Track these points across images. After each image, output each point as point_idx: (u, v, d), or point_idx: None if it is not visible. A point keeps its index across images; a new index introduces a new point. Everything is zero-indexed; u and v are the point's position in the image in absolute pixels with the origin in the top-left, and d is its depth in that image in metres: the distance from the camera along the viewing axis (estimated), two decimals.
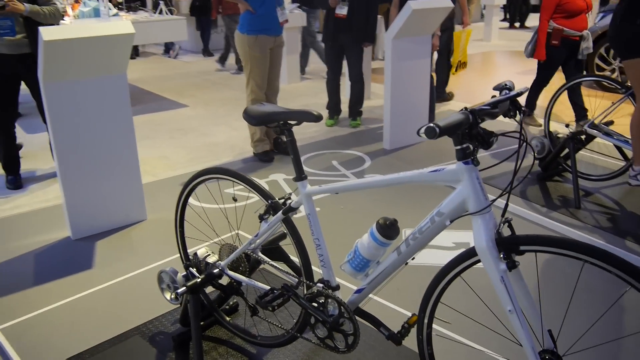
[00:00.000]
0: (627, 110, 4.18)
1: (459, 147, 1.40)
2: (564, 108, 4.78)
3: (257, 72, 4.31)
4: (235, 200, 2.02)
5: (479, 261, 1.49)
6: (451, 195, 1.47)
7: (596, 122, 3.64)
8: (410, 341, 2.21)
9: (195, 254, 2.32)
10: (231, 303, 2.45)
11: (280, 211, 1.87)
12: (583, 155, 4.22)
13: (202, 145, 4.98)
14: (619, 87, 3.51)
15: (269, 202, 1.91)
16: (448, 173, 1.45)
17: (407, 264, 1.64)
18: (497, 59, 9.72)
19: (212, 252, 2.31)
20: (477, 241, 1.42)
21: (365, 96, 5.62)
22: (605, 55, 6.73)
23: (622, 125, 4.71)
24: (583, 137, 3.67)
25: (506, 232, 1.43)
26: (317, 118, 1.71)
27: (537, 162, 4.01)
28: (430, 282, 1.62)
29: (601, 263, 1.29)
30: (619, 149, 3.76)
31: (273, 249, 2.19)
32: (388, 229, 1.62)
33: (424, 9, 4.35)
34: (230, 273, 2.08)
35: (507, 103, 1.41)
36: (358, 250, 1.69)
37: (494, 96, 1.52)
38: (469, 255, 1.50)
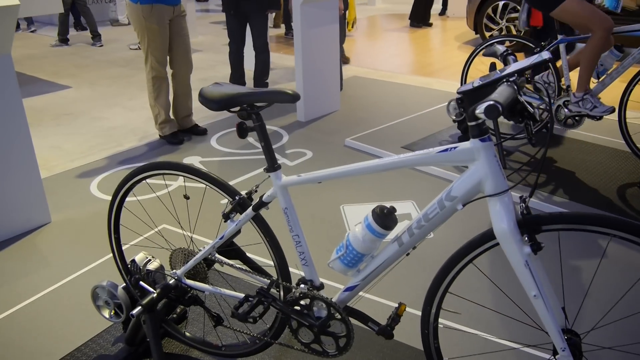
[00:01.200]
0: None
1: (474, 123, 1.24)
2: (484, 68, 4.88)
3: (156, 46, 3.89)
4: (187, 198, 1.73)
5: (494, 245, 1.37)
6: (464, 176, 1.32)
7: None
8: (404, 336, 2.08)
9: (133, 260, 2.00)
10: (178, 311, 2.17)
11: (250, 207, 1.62)
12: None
13: (98, 131, 4.47)
14: (533, 45, 3.58)
15: (236, 198, 1.65)
16: (462, 152, 1.30)
17: (408, 254, 1.49)
18: (383, 23, 9.79)
19: (153, 257, 2.01)
20: (496, 225, 1.29)
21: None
22: (492, 15, 6.96)
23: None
24: None
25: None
26: (294, 98, 1.47)
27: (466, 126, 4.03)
28: (437, 271, 1.47)
29: (631, 236, 1.22)
30: (530, 104, 3.87)
31: (229, 249, 1.94)
32: (386, 218, 1.45)
33: None
34: (190, 282, 1.81)
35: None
36: (350, 244, 1.50)
37: (492, 64, 1.38)
38: (483, 239, 1.37)
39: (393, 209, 1.47)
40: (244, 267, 1.81)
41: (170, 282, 1.80)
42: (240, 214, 1.66)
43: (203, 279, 1.84)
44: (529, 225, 1.29)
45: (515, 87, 1.15)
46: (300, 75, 4.42)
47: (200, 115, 4.64)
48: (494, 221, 1.30)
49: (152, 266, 1.99)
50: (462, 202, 1.34)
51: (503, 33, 6.93)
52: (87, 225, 2.97)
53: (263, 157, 3.79)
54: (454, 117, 3.97)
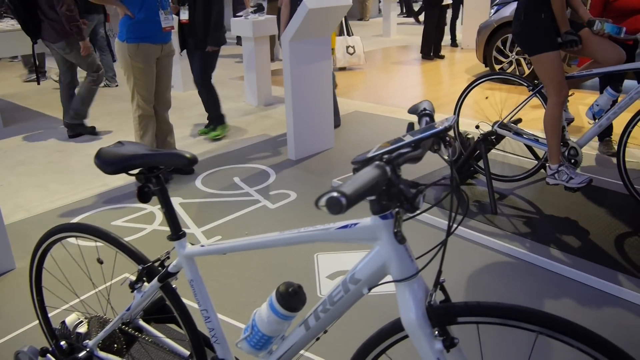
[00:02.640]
0: (532, 106, 4.15)
1: (372, 197, 1.08)
2: (480, 108, 4.68)
3: (142, 84, 3.82)
4: (100, 262, 1.58)
5: (405, 337, 1.18)
6: (367, 257, 1.14)
7: (505, 121, 3.51)
8: None
9: (63, 322, 1.86)
10: None
11: (156, 278, 1.47)
12: (496, 155, 4.11)
13: (86, 169, 4.41)
14: (526, 84, 3.38)
15: (141, 266, 1.50)
16: (362, 230, 1.12)
17: (318, 339, 1.30)
18: (395, 55, 9.68)
19: (85, 319, 1.86)
20: (404, 315, 1.11)
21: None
22: (502, 47, 6.78)
23: (529, 121, 4.66)
24: (493, 137, 3.52)
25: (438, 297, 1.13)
26: (191, 162, 1.33)
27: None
28: None
29: (561, 335, 1.02)
30: (529, 147, 3.66)
31: (160, 308, 1.78)
32: (291, 299, 1.27)
33: (321, 8, 4.04)
34: (102, 355, 1.65)
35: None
36: (256, 324, 1.32)
37: (410, 124, 1.22)
38: (394, 329, 1.19)
39: (299, 287, 1.29)
40: (162, 336, 1.64)
41: (81, 354, 1.64)
42: (148, 283, 1.51)
43: (120, 350, 1.68)
44: (440, 317, 1.10)
45: (388, 168, 0.97)
46: (290, 112, 4.30)
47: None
48: (401, 310, 1.11)
49: (82, 329, 1.85)
50: (367, 286, 1.16)
51: (513, 67, 6.73)
52: (52, 272, 2.86)
53: (247, 198, 3.67)
54: (446, 157, 3.78)
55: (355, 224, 1.13)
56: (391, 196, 1.02)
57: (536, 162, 3.55)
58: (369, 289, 1.16)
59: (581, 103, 5.52)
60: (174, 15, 4.03)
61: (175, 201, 3.71)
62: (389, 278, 1.13)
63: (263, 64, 6.14)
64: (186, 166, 1.32)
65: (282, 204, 3.61)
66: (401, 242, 1.09)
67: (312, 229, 1.19)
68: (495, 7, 7.10)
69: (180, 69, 6.68)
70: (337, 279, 2.71)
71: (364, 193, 0.85)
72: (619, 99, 3.17)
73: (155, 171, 1.39)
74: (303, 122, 4.38)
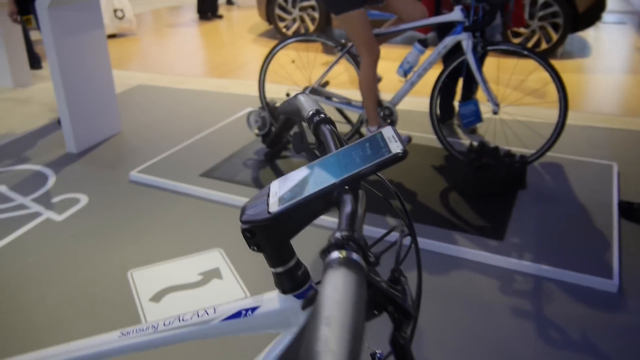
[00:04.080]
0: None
1: (281, 270, 0.67)
2: (287, 73, 4.36)
3: None
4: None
5: None
6: (277, 347, 0.74)
7: (315, 85, 3.26)
8: None
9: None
10: None
11: None
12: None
13: None
14: (334, 45, 3.16)
15: None
16: (266, 317, 0.71)
17: None
18: (168, 17, 8.91)
19: None
20: None
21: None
22: (284, 4, 6.56)
23: (341, 84, 4.52)
24: None
25: None
26: None
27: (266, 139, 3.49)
28: None
29: None
30: (340, 111, 3.49)
31: None
32: None
33: None
34: None
35: None
36: None
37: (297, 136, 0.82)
38: None
39: None
40: None
41: None
42: None
43: None
44: None
45: (365, 266, 0.58)
46: (61, 94, 3.50)
47: None
48: None
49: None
50: None
51: (297, 24, 6.58)
52: None
53: (22, 212, 2.85)
54: (257, 131, 3.44)
55: (254, 309, 0.71)
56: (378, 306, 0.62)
57: (350, 126, 3.41)
58: None
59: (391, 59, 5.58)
60: None
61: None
62: None
63: (14, 33, 5.00)
64: None
65: (72, 212, 2.91)
66: None
67: (180, 323, 0.73)
68: None
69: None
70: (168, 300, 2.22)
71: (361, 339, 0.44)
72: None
73: None
74: (80, 105, 3.62)
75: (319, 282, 0.75)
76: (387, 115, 3.12)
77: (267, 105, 3.46)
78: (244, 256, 2.51)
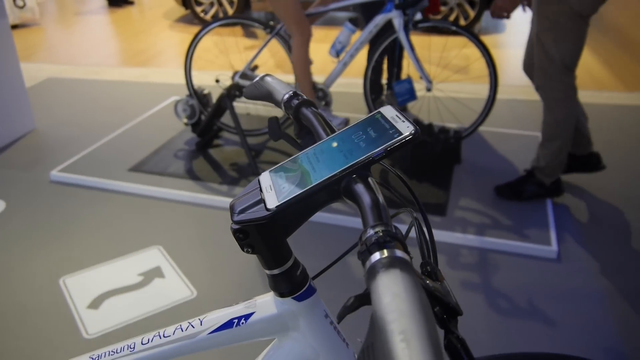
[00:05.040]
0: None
1: (277, 272, 0.60)
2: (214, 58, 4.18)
3: None
4: None
5: None
6: (275, 354, 0.67)
7: (245, 70, 3.15)
8: None
9: None
10: None
11: None
12: (239, 109, 3.74)
13: None
14: (262, 27, 3.05)
15: None
16: (262, 324, 0.64)
17: None
18: (74, 3, 8.38)
19: None
20: None
21: None
22: None
23: (272, 67, 4.40)
24: (237, 91, 3.14)
25: None
26: None
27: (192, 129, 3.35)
28: None
29: None
30: None
31: None
32: None
33: None
34: None
35: None
36: None
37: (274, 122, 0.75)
38: None
39: None
40: None
41: None
42: None
43: None
44: None
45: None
46: None
47: None
48: None
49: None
50: None
51: (215, 8, 6.37)
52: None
53: None
54: (186, 121, 3.29)
55: (248, 316, 0.64)
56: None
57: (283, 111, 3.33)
58: None
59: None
60: None
61: None
62: None
63: None
64: None
65: None
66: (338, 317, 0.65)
67: (162, 340, 0.65)
68: None
69: None
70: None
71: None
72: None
73: None
74: None
75: (315, 277, 0.69)
76: (321, 97, 3.07)
77: (195, 93, 3.31)
78: (185, 251, 2.39)
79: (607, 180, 2.86)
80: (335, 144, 0.59)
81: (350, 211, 2.60)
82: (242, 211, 0.56)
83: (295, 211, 0.55)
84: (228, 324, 0.64)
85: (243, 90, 0.84)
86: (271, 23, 3.04)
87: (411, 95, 3.02)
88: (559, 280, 2.18)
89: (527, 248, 2.34)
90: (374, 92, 3.74)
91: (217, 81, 3.20)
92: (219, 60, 4.14)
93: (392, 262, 0.42)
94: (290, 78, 3.20)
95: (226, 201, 2.73)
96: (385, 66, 3.59)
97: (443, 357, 0.34)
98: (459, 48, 4.72)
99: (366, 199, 0.50)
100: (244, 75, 3.12)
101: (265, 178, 0.60)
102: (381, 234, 0.45)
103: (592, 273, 2.21)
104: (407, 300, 0.37)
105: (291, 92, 0.74)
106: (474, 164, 3.03)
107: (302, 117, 0.72)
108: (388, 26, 2.93)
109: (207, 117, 3.23)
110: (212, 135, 3.35)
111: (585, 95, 2.73)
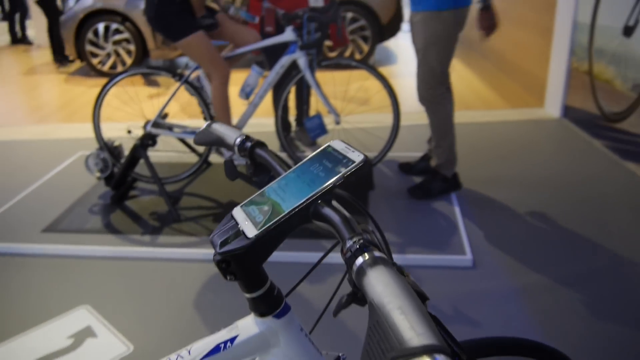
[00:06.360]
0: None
1: (260, 293, 0.68)
2: (122, 109, 4.09)
3: None
4: None
5: None
6: None
7: (156, 119, 3.16)
8: None
9: None
10: None
11: None
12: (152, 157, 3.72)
13: None
14: (171, 75, 3.10)
15: None
16: (248, 343, 0.70)
17: None
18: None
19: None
20: None
21: None
22: (95, 39, 6.23)
23: (179, 114, 4.39)
24: (150, 140, 3.15)
25: None
26: None
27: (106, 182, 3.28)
28: None
29: None
30: (184, 142, 3.43)
31: None
32: None
33: None
34: None
35: None
36: None
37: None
38: None
39: None
40: None
41: None
42: None
43: None
44: None
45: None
46: None
47: None
48: None
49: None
50: None
51: (113, 58, 6.29)
52: None
53: None
54: (98, 174, 3.24)
55: (233, 339, 0.70)
56: None
57: (197, 156, 3.37)
58: None
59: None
60: None
61: None
62: None
63: None
64: None
65: None
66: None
67: None
68: None
69: None
70: None
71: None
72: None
73: None
74: None
75: (287, 294, 0.76)
76: None
77: (105, 145, 3.27)
78: (115, 307, 2.34)
79: (505, 189, 3.15)
80: (296, 176, 0.68)
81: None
82: (224, 243, 0.63)
83: (272, 237, 0.63)
84: (215, 350, 0.70)
85: (194, 137, 0.91)
86: (179, 71, 3.09)
87: (322, 129, 3.17)
88: (477, 286, 2.36)
89: (445, 260, 2.52)
90: (283, 130, 3.88)
91: (129, 132, 3.19)
92: (120, 112, 4.11)
93: (376, 261, 0.51)
94: (195, 122, 3.26)
95: (150, 251, 2.71)
96: (291, 104, 3.74)
97: (431, 322, 0.43)
98: (361, 81, 5.00)
99: (336, 218, 0.60)
100: (156, 124, 3.14)
101: (238, 212, 0.67)
102: (361, 241, 0.54)
103: (505, 274, 2.42)
104: (395, 285, 0.47)
105: (243, 136, 0.83)
106: (386, 188, 3.22)
107: (257, 157, 0.81)
108: (293, 66, 3.08)
109: (120, 168, 3.20)
110: (127, 186, 3.31)
111: (476, 115, 3.03)
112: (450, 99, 2.98)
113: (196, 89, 3.08)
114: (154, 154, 3.21)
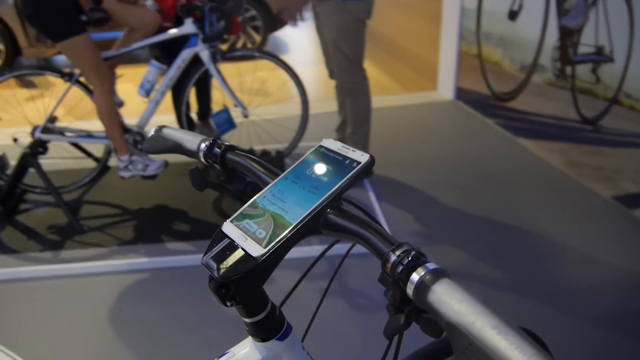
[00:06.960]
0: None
1: (255, 319, 0.61)
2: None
3: None
4: None
5: None
6: None
7: (46, 124, 2.88)
8: None
9: None
10: None
11: None
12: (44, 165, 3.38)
13: None
14: (59, 75, 2.82)
15: None
16: None
17: None
18: None
19: None
20: None
21: None
22: None
23: (66, 117, 4.03)
24: (40, 148, 2.87)
25: None
26: None
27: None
28: None
29: None
30: (78, 146, 3.16)
31: None
32: None
33: None
34: None
35: None
36: None
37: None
38: None
39: None
40: None
41: None
42: None
43: None
44: None
45: None
46: None
47: None
48: None
49: None
50: None
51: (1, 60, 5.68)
52: None
53: None
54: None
55: None
56: None
57: (95, 162, 3.11)
58: None
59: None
60: None
61: None
62: None
63: None
64: None
65: None
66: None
67: None
68: None
69: None
70: None
71: None
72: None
73: None
74: None
75: (281, 304, 0.70)
76: (138, 140, 2.94)
77: None
78: (18, 334, 2.11)
79: (412, 171, 3.23)
80: (292, 182, 0.61)
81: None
82: (224, 266, 0.55)
83: (275, 254, 0.56)
84: None
85: (143, 146, 0.80)
86: (67, 70, 2.83)
87: (230, 124, 3.05)
88: None
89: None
90: (189, 127, 3.70)
91: (16, 140, 2.88)
92: (17, 116, 3.71)
93: (437, 274, 0.46)
94: (83, 124, 3.02)
95: (53, 268, 2.48)
96: (191, 99, 3.57)
97: (531, 340, 0.39)
98: (258, 72, 4.89)
99: (361, 229, 0.54)
100: (46, 129, 2.86)
101: (230, 229, 0.59)
102: (413, 252, 0.49)
103: (427, 255, 2.48)
104: (472, 301, 0.42)
105: (209, 140, 0.74)
106: None
107: (230, 163, 0.72)
108: (195, 60, 2.93)
109: (7, 181, 2.88)
110: (16, 200, 3.00)
111: (373, 101, 3.07)
112: (368, 88, 3.04)
113: (87, 88, 2.84)
114: (45, 162, 2.93)
